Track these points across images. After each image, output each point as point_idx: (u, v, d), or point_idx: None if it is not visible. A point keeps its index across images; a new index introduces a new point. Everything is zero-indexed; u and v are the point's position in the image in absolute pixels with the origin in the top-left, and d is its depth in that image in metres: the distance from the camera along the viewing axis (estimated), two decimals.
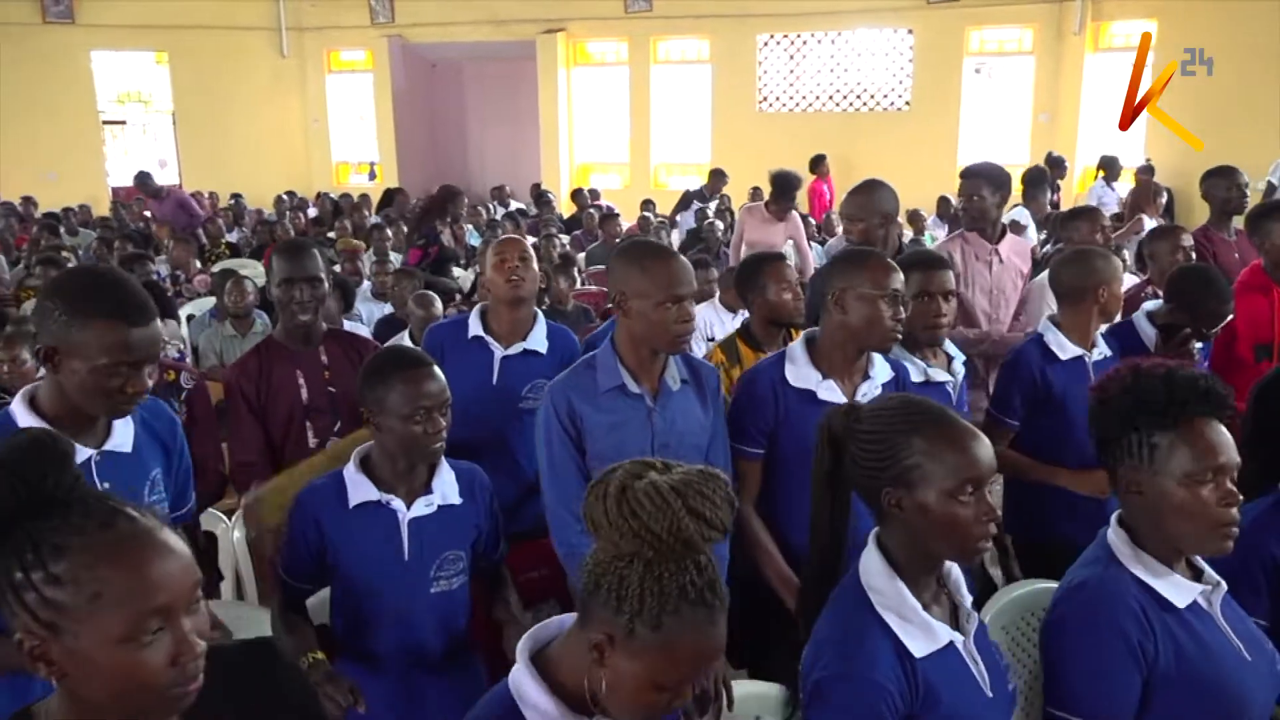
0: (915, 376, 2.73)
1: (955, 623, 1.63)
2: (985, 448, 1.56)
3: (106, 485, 1.92)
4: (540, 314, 3.07)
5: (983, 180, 3.80)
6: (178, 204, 9.98)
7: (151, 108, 16.02)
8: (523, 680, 1.36)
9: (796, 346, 2.54)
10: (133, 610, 1.09)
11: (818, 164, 11.10)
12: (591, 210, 10.49)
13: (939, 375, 2.77)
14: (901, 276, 2.43)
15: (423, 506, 2.19)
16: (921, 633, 1.55)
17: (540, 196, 12.05)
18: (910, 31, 13.42)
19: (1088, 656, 1.66)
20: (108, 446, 1.99)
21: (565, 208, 12.80)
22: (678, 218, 10.31)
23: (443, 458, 2.26)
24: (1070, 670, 1.69)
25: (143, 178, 10.00)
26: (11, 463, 1.12)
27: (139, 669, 1.10)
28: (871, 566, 1.61)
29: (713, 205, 10.27)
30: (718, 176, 10.87)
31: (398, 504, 2.17)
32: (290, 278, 2.83)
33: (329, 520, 2.16)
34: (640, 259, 2.31)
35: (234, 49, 15.19)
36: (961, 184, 3.91)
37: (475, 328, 2.99)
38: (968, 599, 1.66)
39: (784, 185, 6.66)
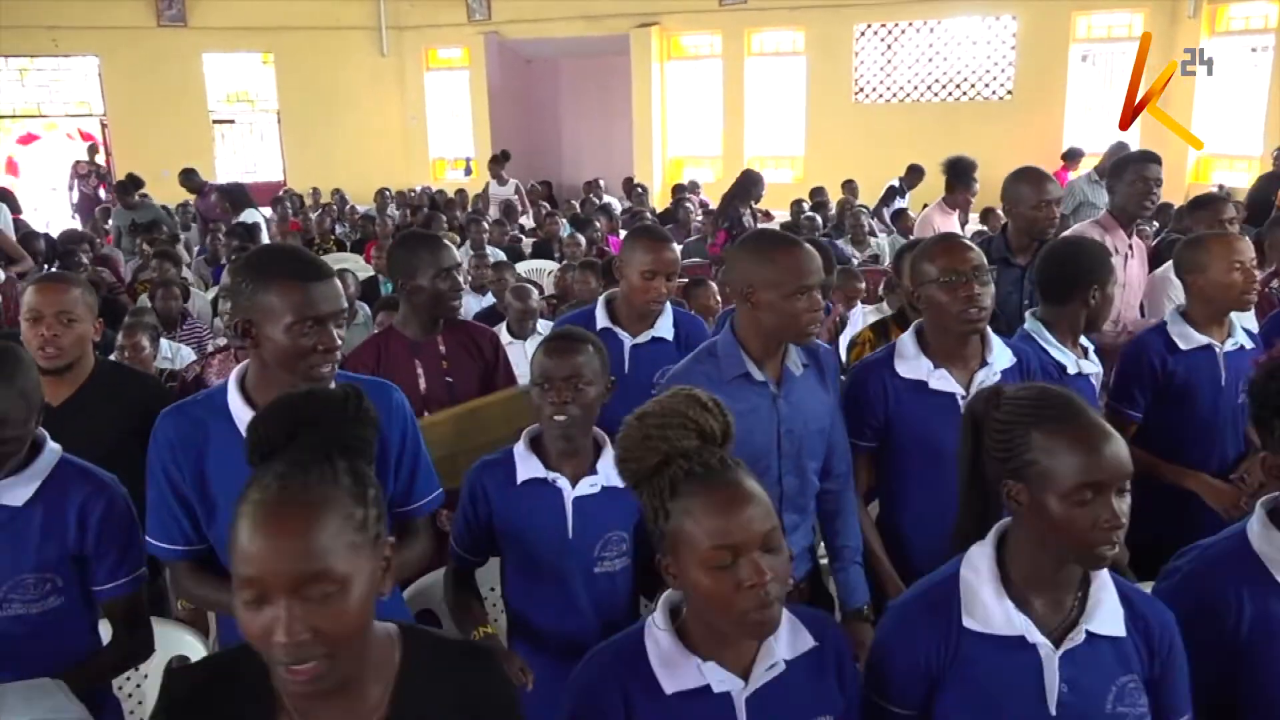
0: (1071, 369, 2.70)
1: (1065, 629, 1.56)
2: (1112, 450, 1.48)
3: None
4: (668, 301, 3.08)
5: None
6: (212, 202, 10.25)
7: (257, 107, 16.55)
8: (655, 618, 1.53)
9: (907, 337, 2.52)
10: (237, 574, 1.19)
11: (1072, 156, 10.82)
12: (687, 203, 10.47)
13: (1088, 368, 2.73)
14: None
15: (587, 486, 2.21)
16: (986, 613, 1.56)
17: (632, 190, 12.08)
18: (1014, 18, 13.05)
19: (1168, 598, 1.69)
20: None
21: (659, 201, 12.80)
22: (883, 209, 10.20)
23: (608, 440, 2.27)
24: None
25: (187, 174, 10.31)
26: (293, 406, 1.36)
27: (249, 631, 1.18)
28: (980, 552, 1.62)
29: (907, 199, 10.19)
30: (915, 172, 10.68)
31: (563, 482, 2.20)
32: (445, 266, 2.86)
33: (497, 495, 2.22)
34: (768, 249, 2.29)
35: (336, 49, 15.60)
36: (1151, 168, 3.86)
37: (603, 319, 3.02)
38: (1099, 625, 1.56)
39: (955, 171, 6.47)
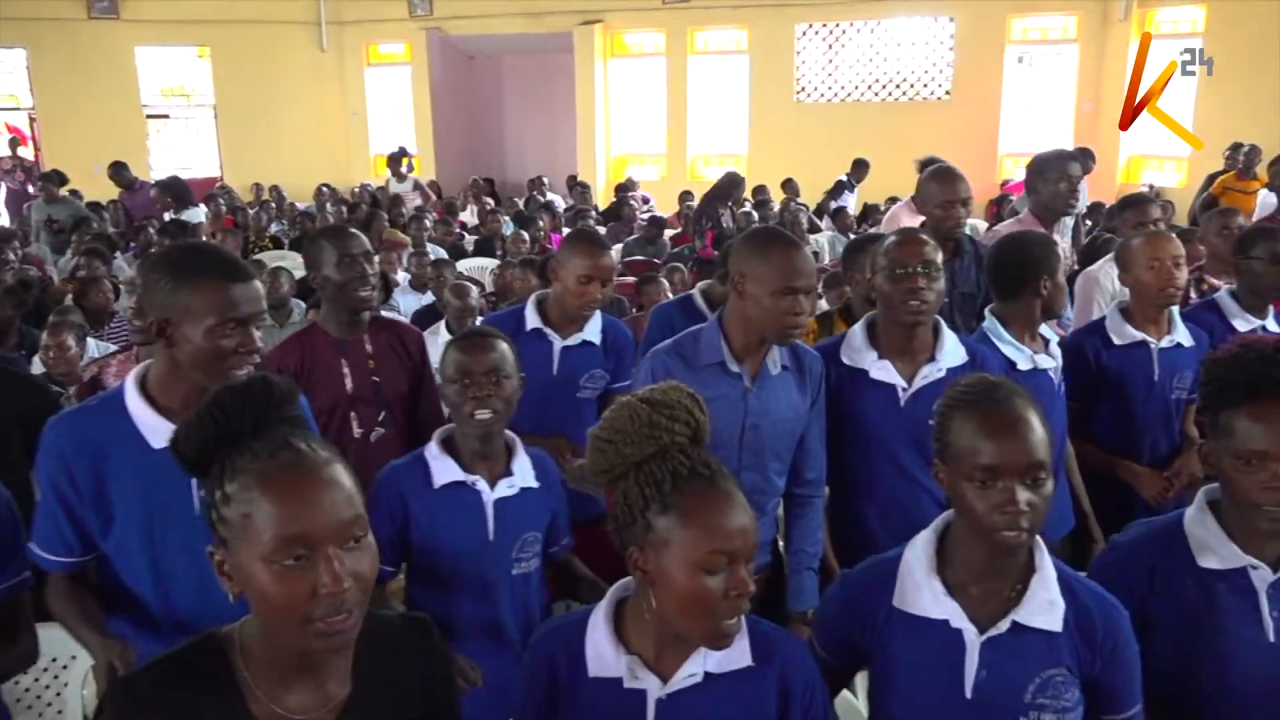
0: (1024, 365, 2.74)
1: (997, 618, 1.60)
2: (1019, 439, 1.53)
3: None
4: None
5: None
6: (150, 197, 10.04)
7: (193, 102, 16.22)
8: (602, 604, 1.55)
9: (857, 328, 2.58)
10: (274, 532, 1.16)
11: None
12: (630, 202, 10.48)
13: (1045, 362, 2.78)
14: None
15: (505, 487, 2.22)
16: (914, 594, 1.62)
17: (574, 187, 12.07)
18: (951, 19, 13.25)
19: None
20: None
21: (602, 199, 12.79)
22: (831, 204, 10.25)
23: (519, 442, 2.29)
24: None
25: (117, 168, 10.08)
26: (223, 403, 1.24)
27: (282, 591, 1.16)
28: (925, 532, 1.67)
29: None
30: (861, 166, 10.75)
31: (482, 485, 2.20)
32: (351, 254, 2.80)
33: (415, 500, 2.19)
34: (765, 244, 2.32)
35: (274, 43, 15.34)
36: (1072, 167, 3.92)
37: (534, 319, 3.00)
38: (1031, 616, 1.59)
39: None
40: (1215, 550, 1.71)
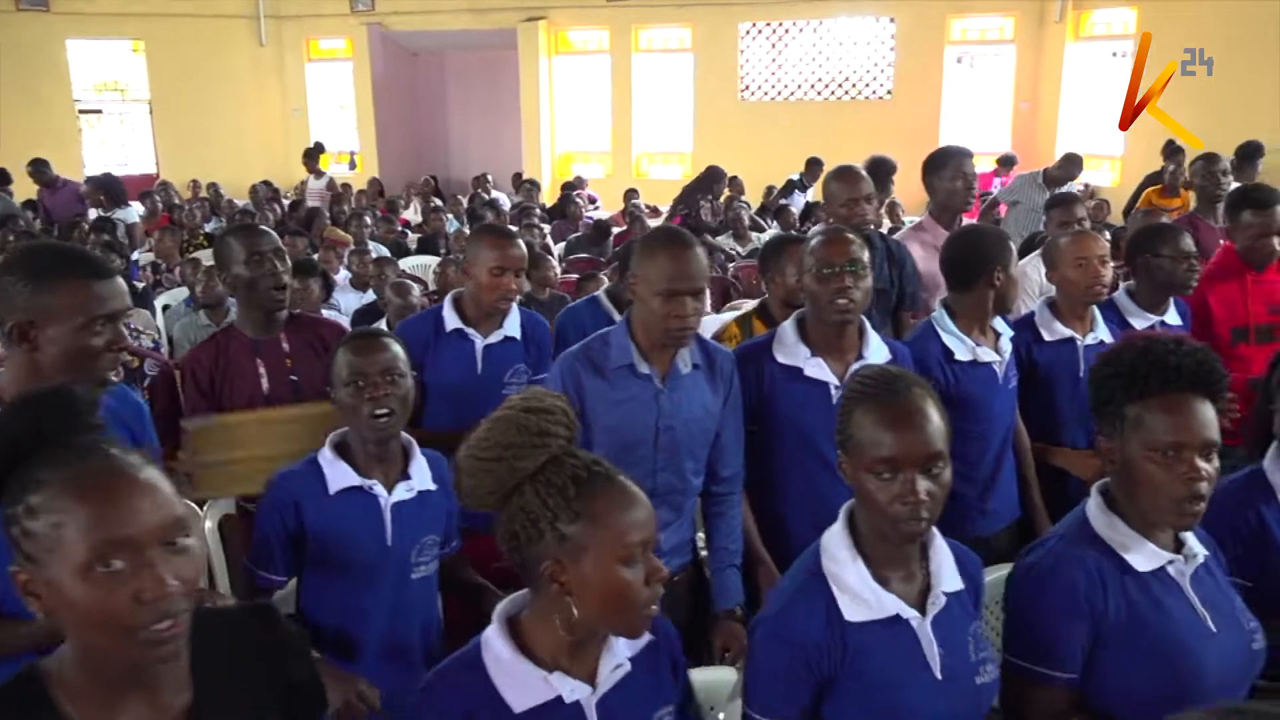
0: (963, 355, 2.76)
1: (923, 602, 1.63)
2: (915, 430, 1.55)
3: None
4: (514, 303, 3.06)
5: None
6: (72, 196, 9.81)
7: (128, 97, 15.86)
8: (492, 634, 1.46)
9: (788, 325, 2.58)
10: (90, 539, 1.10)
11: (1007, 163, 10.91)
12: (576, 199, 10.46)
13: (986, 355, 2.80)
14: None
15: (403, 491, 2.18)
16: (859, 599, 1.59)
17: (521, 185, 12.00)
18: (892, 20, 13.42)
19: (1039, 606, 1.71)
20: None
21: (548, 197, 12.75)
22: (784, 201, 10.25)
23: (415, 444, 2.25)
24: (1021, 618, 1.74)
25: (37, 165, 9.85)
26: (16, 413, 1.19)
27: (101, 601, 1.10)
28: (833, 531, 1.66)
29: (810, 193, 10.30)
30: (815, 165, 10.75)
31: (379, 489, 2.16)
32: (258, 251, 2.73)
33: (310, 507, 2.14)
34: (652, 246, 2.30)
35: (211, 37, 15.05)
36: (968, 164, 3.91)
37: (452, 320, 2.96)
38: (948, 584, 1.64)
39: (877, 172, 6.53)
40: (1138, 550, 1.71)
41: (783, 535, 2.53)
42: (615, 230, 9.51)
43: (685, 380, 2.36)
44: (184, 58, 14.94)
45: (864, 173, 3.60)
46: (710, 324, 3.46)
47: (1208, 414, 1.66)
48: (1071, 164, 7.72)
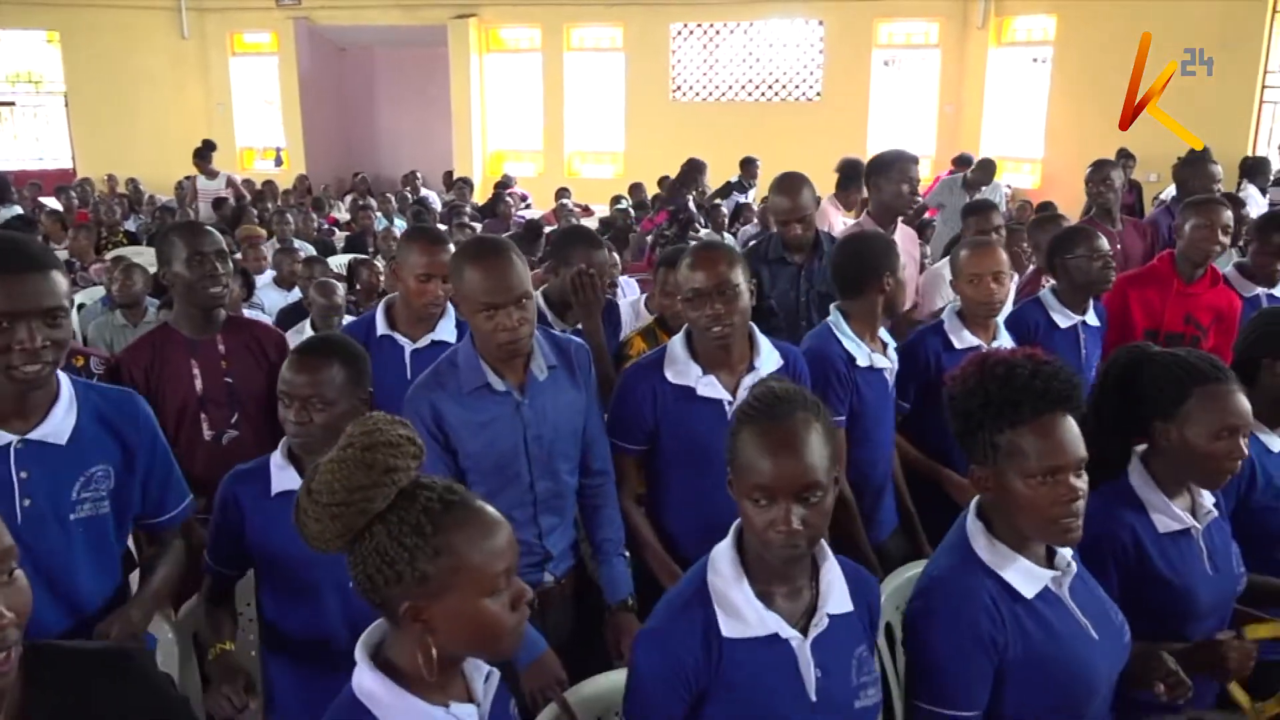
0: (862, 361, 2.75)
1: (807, 622, 1.62)
2: (784, 459, 1.53)
3: (24, 475, 1.83)
4: (449, 304, 2.98)
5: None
6: None
7: (43, 89, 15.36)
8: (361, 673, 1.38)
9: (677, 342, 2.50)
10: None
11: (963, 163, 10.90)
12: (507, 198, 10.40)
13: (880, 362, 2.81)
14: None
15: None
16: (738, 616, 1.58)
17: (453, 184, 11.91)
18: (820, 23, 13.59)
19: (943, 649, 1.70)
20: (35, 435, 1.86)
21: (479, 195, 12.66)
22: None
23: None
24: (928, 662, 1.72)
25: None
26: None
27: None
28: (721, 548, 1.65)
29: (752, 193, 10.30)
30: (750, 164, 10.76)
31: None
32: (200, 251, 2.69)
33: (250, 506, 2.12)
34: (461, 260, 2.19)
35: (130, 29, 14.64)
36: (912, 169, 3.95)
37: (382, 325, 2.91)
38: (834, 606, 1.63)
39: (848, 173, 6.56)
40: (1021, 573, 1.72)
41: (675, 554, 2.46)
42: (547, 229, 9.48)
43: (545, 386, 2.29)
44: (102, 49, 14.53)
45: (803, 187, 3.60)
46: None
47: (1075, 430, 1.68)
48: (988, 169, 7.91)
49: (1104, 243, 3.32)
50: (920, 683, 1.73)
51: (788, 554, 1.54)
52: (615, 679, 2.05)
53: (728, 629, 1.57)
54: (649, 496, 2.56)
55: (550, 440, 2.29)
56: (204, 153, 10.61)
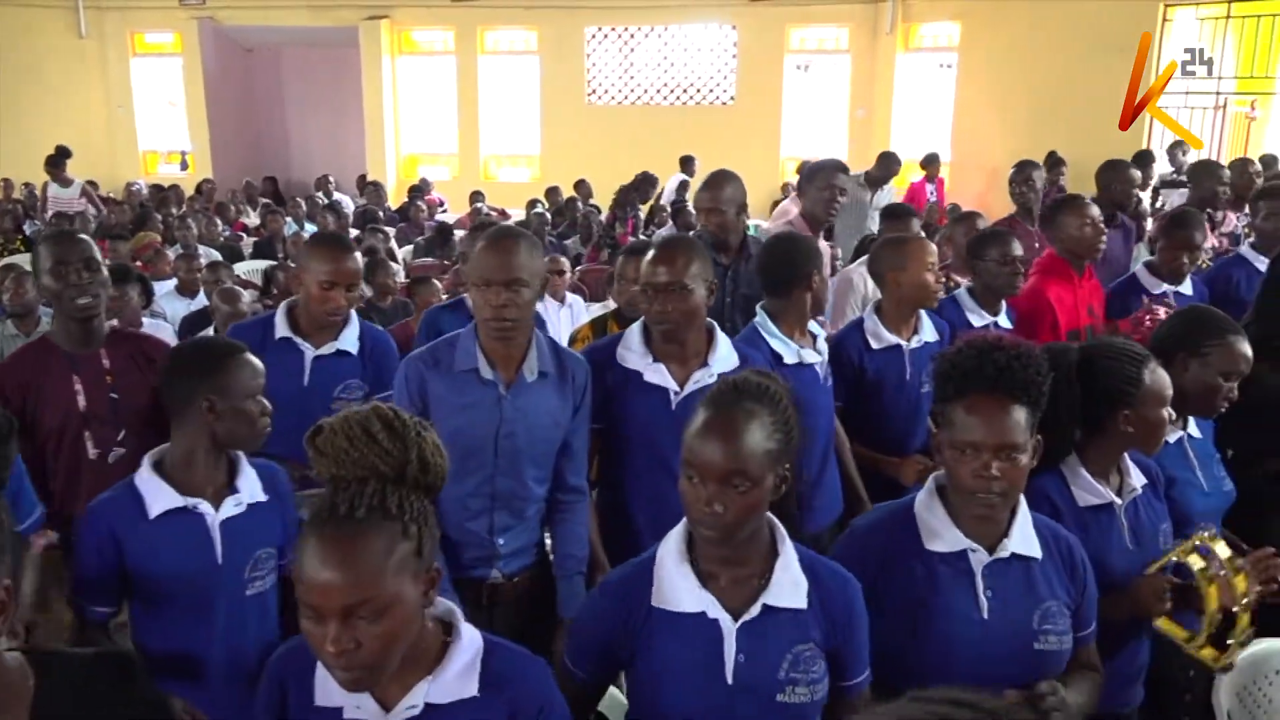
0: (789, 359, 2.83)
1: (745, 607, 1.66)
2: (713, 445, 1.58)
3: None
4: (354, 313, 2.96)
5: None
6: None
7: None
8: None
9: (635, 330, 2.60)
10: None
11: (929, 163, 10.91)
12: (419, 202, 10.28)
13: (810, 357, 2.88)
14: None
15: (232, 506, 2.10)
16: (671, 589, 1.66)
17: (366, 187, 11.72)
18: (733, 28, 13.73)
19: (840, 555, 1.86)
20: None
21: (394, 199, 12.48)
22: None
23: (243, 456, 2.19)
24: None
25: None
26: None
27: None
28: (676, 529, 1.72)
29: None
30: (688, 163, 10.76)
31: (205, 507, 2.07)
32: (63, 260, 2.57)
33: (127, 535, 2.03)
34: (476, 245, 2.31)
35: (23, 27, 14.06)
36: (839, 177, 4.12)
37: (283, 328, 2.85)
38: (777, 598, 1.66)
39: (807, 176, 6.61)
40: (940, 534, 1.84)
41: (629, 534, 2.55)
42: (460, 234, 9.40)
43: (531, 388, 2.34)
44: None
45: (725, 183, 3.67)
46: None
47: (1012, 418, 1.75)
48: (890, 162, 8.08)
49: (1016, 248, 3.43)
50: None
51: (709, 534, 1.61)
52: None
53: (656, 599, 1.66)
54: (605, 480, 2.66)
55: (522, 441, 2.33)
56: (57, 160, 10.14)
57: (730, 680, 1.62)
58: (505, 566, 2.42)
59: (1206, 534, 2.08)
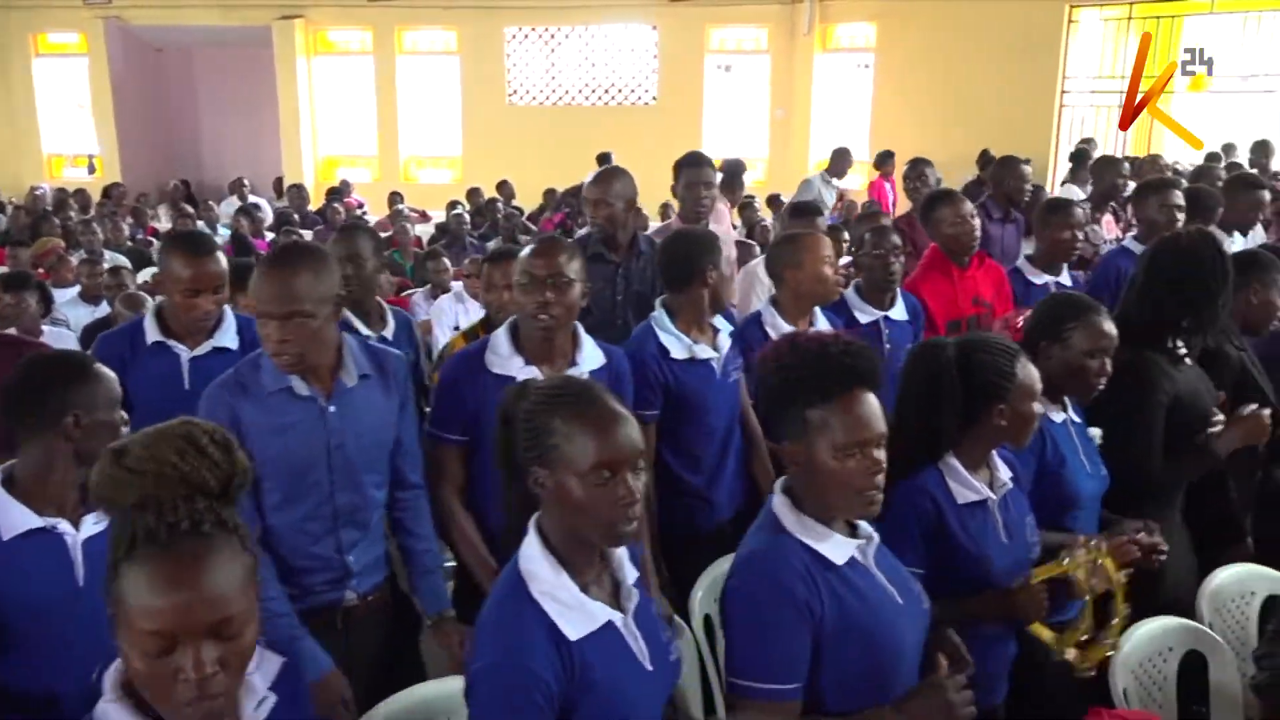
0: (679, 354, 2.81)
1: (617, 601, 1.63)
2: (624, 432, 1.55)
3: None
4: (227, 308, 2.84)
5: None
6: None
7: None
8: (105, 705, 1.30)
9: (501, 333, 2.52)
10: None
11: (883, 161, 10.85)
12: (336, 204, 10.10)
13: (705, 352, 2.85)
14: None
15: (92, 525, 1.97)
16: (577, 615, 1.54)
17: (288, 190, 11.49)
18: (654, 28, 13.76)
19: (764, 620, 1.70)
20: None
21: (313, 201, 12.24)
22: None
23: None
24: (748, 637, 1.71)
25: None
26: None
27: None
28: (529, 551, 1.60)
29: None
30: (605, 160, 10.63)
31: (65, 526, 1.95)
32: None
33: None
34: (259, 268, 2.15)
35: None
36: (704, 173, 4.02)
37: (153, 333, 2.73)
38: (630, 576, 1.66)
39: (730, 172, 6.60)
40: (830, 544, 1.75)
41: (494, 552, 2.46)
42: (381, 235, 9.26)
43: (354, 394, 2.23)
44: None
45: (614, 179, 3.64)
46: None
47: (877, 406, 1.74)
48: (842, 158, 8.21)
49: (891, 240, 3.46)
50: (740, 660, 1.71)
51: (631, 528, 1.56)
52: (428, 691, 2.04)
53: (572, 631, 1.53)
54: (472, 493, 2.54)
55: (354, 451, 2.22)
56: None
57: (650, 667, 1.61)
58: (359, 585, 2.32)
59: (1094, 546, 2.10)
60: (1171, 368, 2.71)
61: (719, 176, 4.13)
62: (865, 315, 3.47)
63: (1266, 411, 2.68)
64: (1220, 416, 2.69)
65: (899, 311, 3.52)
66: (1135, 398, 2.61)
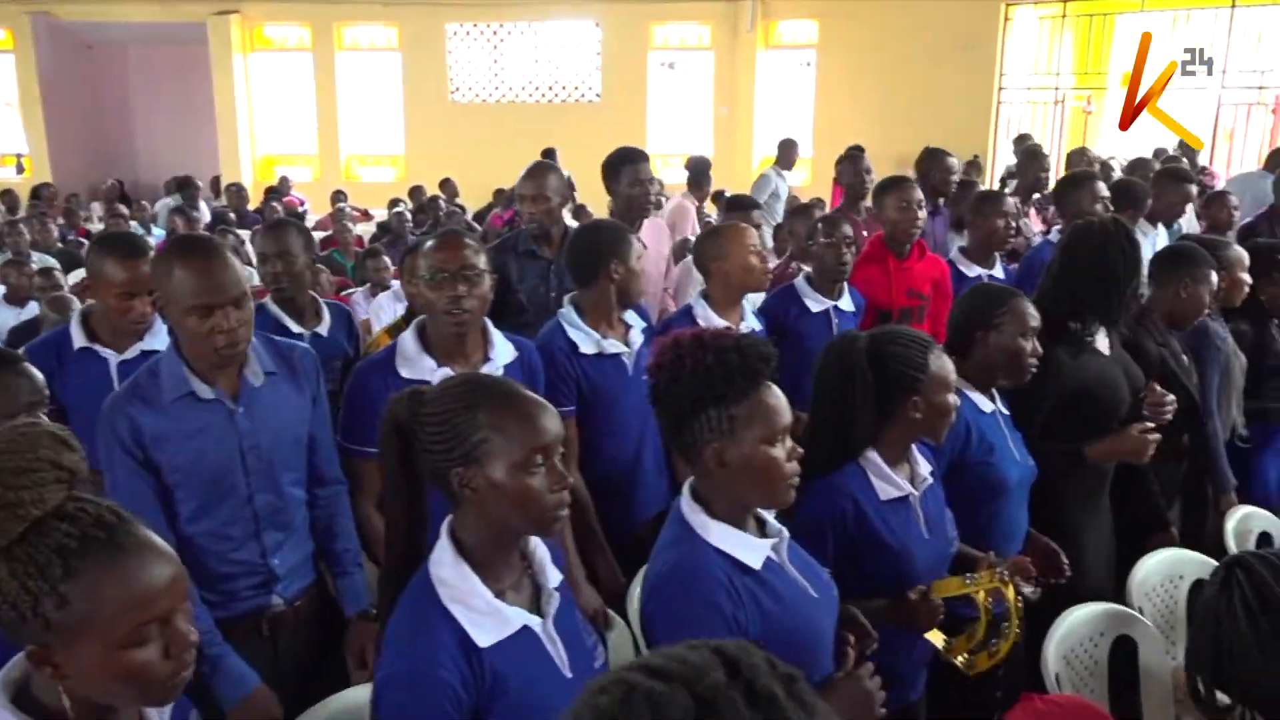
0: (588, 349, 2.76)
1: (537, 606, 1.60)
2: (552, 418, 1.55)
3: None
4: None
5: None
6: None
7: None
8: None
9: (408, 335, 2.43)
10: None
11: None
12: (274, 204, 9.95)
13: (615, 348, 2.81)
14: None
15: None
16: (490, 621, 1.50)
17: (227, 189, 11.27)
18: (598, 25, 13.73)
19: (691, 637, 1.66)
20: None
21: (251, 200, 12.03)
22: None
23: None
24: None
25: None
26: None
27: None
28: (441, 557, 1.55)
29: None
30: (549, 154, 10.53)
31: None
32: None
33: None
34: (168, 260, 2.03)
35: None
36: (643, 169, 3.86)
37: (80, 338, 2.65)
38: (552, 579, 1.62)
39: (697, 169, 6.55)
40: (745, 547, 1.73)
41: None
42: (321, 234, 9.13)
43: (262, 393, 2.15)
44: None
45: (547, 174, 3.58)
46: None
47: (783, 396, 1.74)
48: (789, 149, 8.24)
49: (842, 230, 3.48)
50: None
51: (562, 515, 1.56)
52: (354, 696, 1.98)
53: (482, 638, 1.48)
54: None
55: (269, 450, 2.15)
56: None
57: (569, 674, 1.57)
58: (285, 590, 2.24)
59: (998, 573, 2.10)
60: (1077, 359, 2.72)
61: (664, 172, 4.05)
62: (816, 304, 3.47)
63: (1169, 413, 2.72)
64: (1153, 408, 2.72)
65: (847, 303, 3.54)
66: (1025, 388, 2.60)
